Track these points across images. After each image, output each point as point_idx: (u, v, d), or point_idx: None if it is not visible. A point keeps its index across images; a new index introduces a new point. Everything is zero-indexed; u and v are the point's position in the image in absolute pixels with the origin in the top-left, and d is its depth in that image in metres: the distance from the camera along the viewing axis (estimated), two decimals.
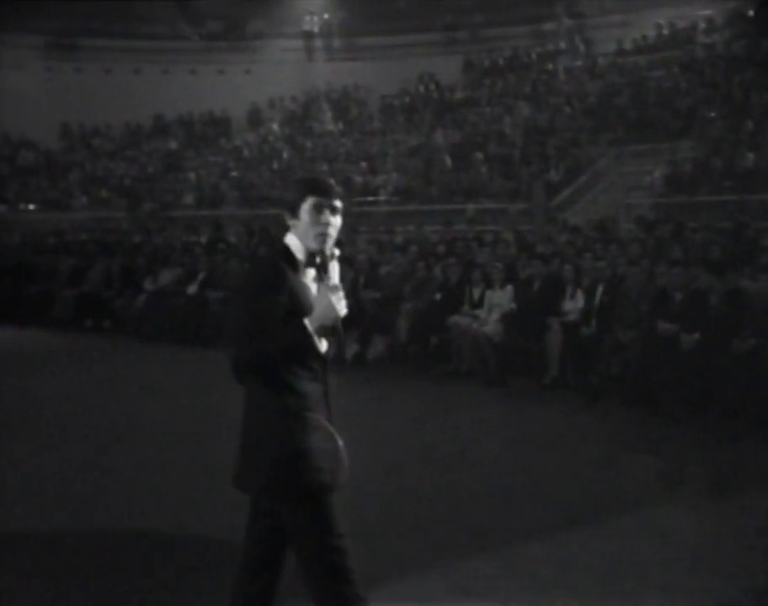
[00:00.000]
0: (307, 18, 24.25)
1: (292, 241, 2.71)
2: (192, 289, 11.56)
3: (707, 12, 21.15)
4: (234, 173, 19.66)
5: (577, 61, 21.75)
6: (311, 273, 2.72)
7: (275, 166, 19.89)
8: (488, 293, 8.86)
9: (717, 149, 14.42)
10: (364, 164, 18.58)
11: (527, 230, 13.82)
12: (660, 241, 10.38)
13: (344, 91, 23.26)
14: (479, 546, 4.60)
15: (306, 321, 2.60)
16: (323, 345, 2.69)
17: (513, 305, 8.68)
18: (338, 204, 2.74)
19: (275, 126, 22.23)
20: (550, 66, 21.51)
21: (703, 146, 14.82)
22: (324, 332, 2.67)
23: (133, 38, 23.80)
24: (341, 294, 2.66)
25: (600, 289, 8.33)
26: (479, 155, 17.16)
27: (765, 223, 10.97)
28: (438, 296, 9.20)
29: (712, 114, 15.58)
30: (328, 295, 2.63)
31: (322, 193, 2.72)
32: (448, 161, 17.84)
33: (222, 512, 4.34)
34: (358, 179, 17.86)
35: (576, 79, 20.03)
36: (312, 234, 2.69)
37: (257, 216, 17.56)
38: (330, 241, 2.72)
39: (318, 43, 24.50)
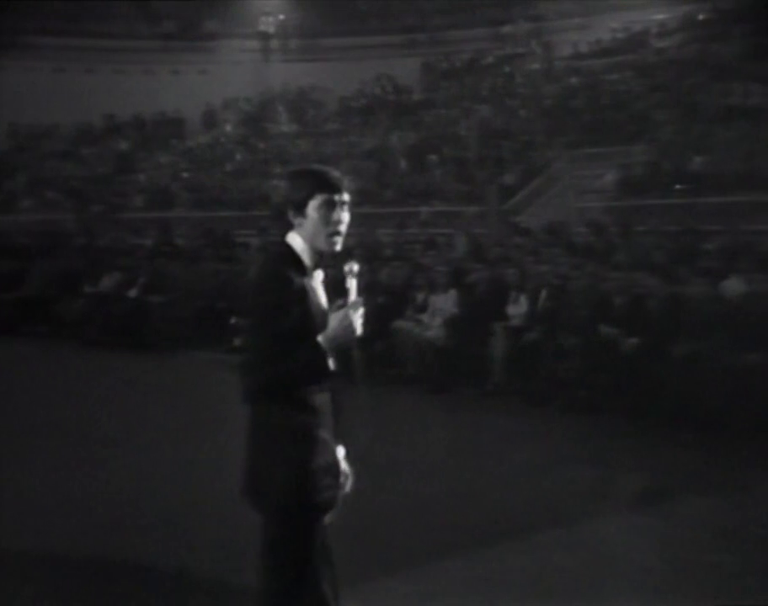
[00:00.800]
0: (263, 18, 23.93)
1: (296, 241, 2.54)
2: (133, 293, 11.23)
3: (661, 16, 21.32)
4: (185, 175, 19.27)
5: (534, 65, 21.76)
6: (319, 275, 2.57)
7: (228, 167, 19.56)
8: (432, 297, 8.68)
9: (667, 152, 14.43)
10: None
11: (480, 233, 13.71)
12: (608, 245, 10.30)
13: (301, 92, 22.99)
14: (396, 563, 4.38)
15: (321, 339, 2.46)
16: (332, 361, 2.52)
17: (456, 310, 8.50)
18: (347, 198, 2.56)
19: (229, 127, 21.88)
20: (507, 70, 21.48)
21: (654, 150, 14.84)
22: (338, 348, 2.51)
23: (85, 37, 23.27)
24: (361, 311, 2.51)
25: (544, 293, 8.20)
26: (434, 157, 17.01)
27: (713, 226, 10.94)
28: (382, 300, 8.99)
29: (663, 118, 15.61)
30: (349, 315, 2.48)
31: (334, 188, 2.53)
32: (403, 163, 17.68)
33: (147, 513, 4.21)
34: None
35: (533, 82, 20.01)
36: (324, 234, 2.52)
37: (209, 218, 17.26)
38: (341, 240, 2.56)
39: (275, 44, 24.20)
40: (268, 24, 23.92)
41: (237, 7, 23.81)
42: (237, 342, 9.73)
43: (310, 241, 2.53)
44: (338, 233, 2.54)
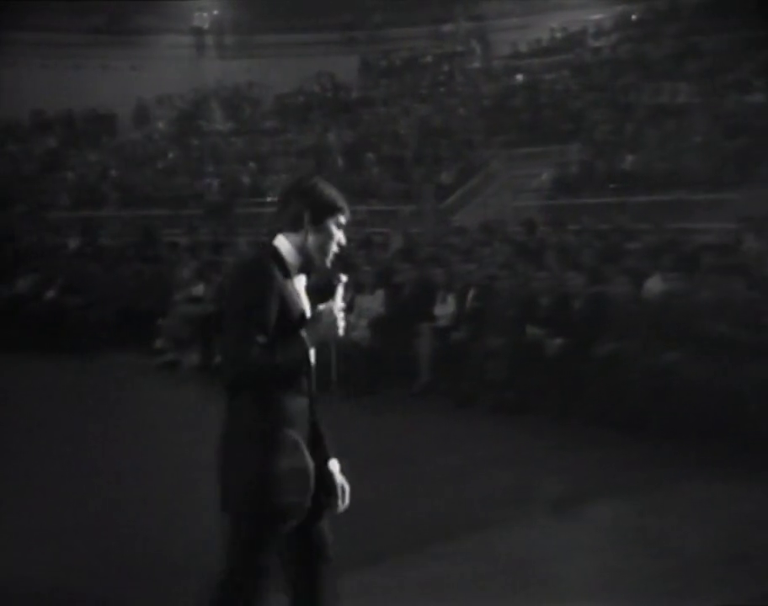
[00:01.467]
0: (197, 13, 23.37)
1: (283, 245, 2.60)
2: (50, 294, 10.72)
3: (599, 16, 21.49)
4: (114, 173, 18.65)
5: (474, 63, 21.71)
6: (302, 279, 2.65)
7: (160, 165, 18.99)
8: (359, 298, 8.41)
9: (601, 151, 14.46)
10: (253, 164, 17.94)
11: (416, 232, 13.53)
12: (539, 244, 10.19)
13: (237, 89, 22.52)
14: None
15: (304, 333, 2.53)
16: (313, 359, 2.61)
17: (382, 310, 8.25)
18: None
19: (161, 125, 21.29)
20: (447, 68, 21.38)
21: (589, 149, 14.86)
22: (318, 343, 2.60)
23: (10, 30, 22.33)
24: (343, 315, 2.62)
25: (472, 293, 8.01)
26: (371, 156, 16.77)
27: (643, 225, 10.92)
28: None
29: (598, 117, 15.65)
30: (334, 311, 2.58)
31: (346, 211, 2.67)
32: (340, 161, 17.39)
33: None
34: (246, 180, 17.20)
35: (472, 81, 19.93)
36: (328, 250, 2.64)
37: (138, 217, 16.71)
38: None
39: (209, 40, 23.66)
40: (202, 20, 23.38)
41: (170, 2, 23.19)
42: (159, 344, 9.34)
43: (306, 249, 2.61)
44: (336, 251, 2.67)
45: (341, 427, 2.93)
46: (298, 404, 2.56)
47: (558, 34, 21.05)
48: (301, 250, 2.61)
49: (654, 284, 7.40)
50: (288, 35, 23.62)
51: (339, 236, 2.66)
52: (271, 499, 2.47)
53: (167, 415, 7.71)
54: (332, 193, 2.66)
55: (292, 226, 2.61)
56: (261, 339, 2.44)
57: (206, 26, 23.48)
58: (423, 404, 7.73)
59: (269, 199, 16.84)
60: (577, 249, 9.26)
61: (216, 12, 23.61)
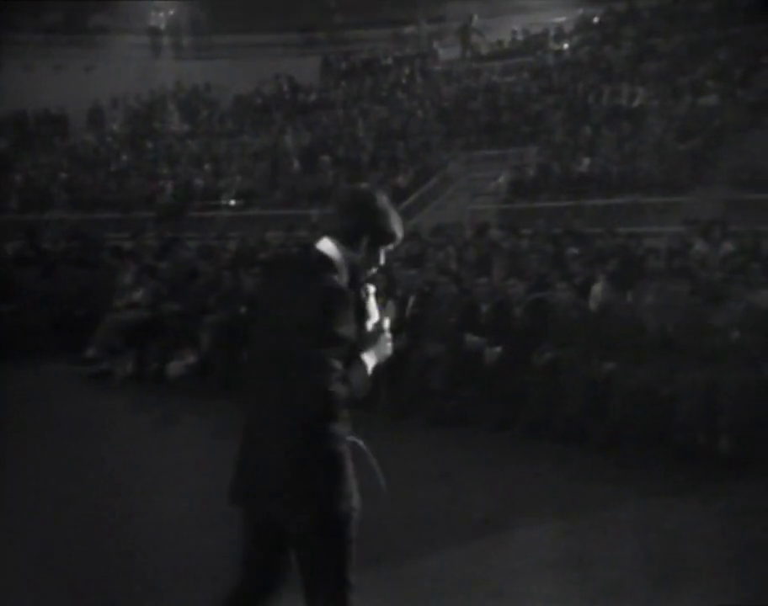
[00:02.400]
0: (153, 13, 22.91)
1: (334, 254, 2.55)
2: None
3: (561, 19, 21.39)
4: (64, 175, 18.15)
5: (436, 66, 21.50)
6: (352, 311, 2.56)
7: (113, 167, 18.52)
8: None
9: (558, 154, 14.30)
10: (208, 167, 17.55)
11: None
12: (489, 249, 9.94)
13: (194, 91, 22.10)
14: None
15: (366, 359, 2.56)
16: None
17: None
18: None
19: (115, 126, 20.81)
20: (407, 70, 21.14)
21: (547, 152, 14.69)
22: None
23: None
24: (388, 334, 2.63)
25: (412, 299, 7.72)
26: (326, 158, 16.47)
27: (596, 229, 10.74)
28: (244, 309, 8.35)
29: (557, 120, 15.51)
30: (385, 334, 2.60)
31: (398, 241, 2.64)
32: (296, 164, 17.07)
33: None
34: (199, 183, 16.80)
35: (432, 83, 19.72)
36: (367, 272, 2.63)
37: (87, 220, 16.25)
38: None
39: (166, 40, 23.20)
40: (158, 20, 22.92)
41: (126, 2, 22.70)
42: (90, 353, 8.94)
43: (353, 265, 2.58)
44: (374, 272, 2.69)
45: None
46: (347, 414, 2.57)
47: (519, 37, 20.92)
48: (350, 265, 2.57)
49: (599, 290, 7.18)
50: (247, 36, 23.24)
51: (381, 261, 2.65)
52: (351, 507, 2.52)
53: (93, 426, 7.37)
54: (396, 222, 2.62)
55: (346, 239, 2.56)
56: (340, 371, 2.44)
57: (163, 26, 23.03)
58: (359, 415, 7.39)
59: (222, 202, 16.53)
60: (526, 254, 9.03)
61: (172, 12, 23.17)
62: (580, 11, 20.74)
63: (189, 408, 7.89)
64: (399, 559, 4.41)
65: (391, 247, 2.63)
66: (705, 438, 5.92)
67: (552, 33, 20.18)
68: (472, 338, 7.01)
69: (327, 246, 2.55)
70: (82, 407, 8.17)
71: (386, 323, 2.62)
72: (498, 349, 6.78)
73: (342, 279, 2.54)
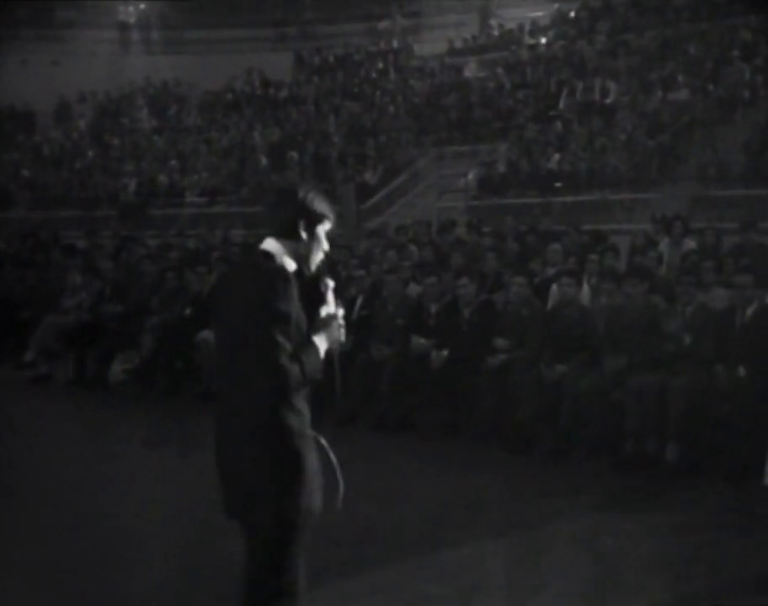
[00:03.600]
0: (122, 7, 22.46)
1: (278, 250, 2.64)
2: None
3: (539, 13, 21.15)
4: (27, 173, 17.72)
5: (411, 61, 21.19)
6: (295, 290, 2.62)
7: (78, 165, 18.10)
8: None
9: (528, 150, 14.02)
10: (174, 163, 17.17)
11: (337, 234, 12.91)
12: (451, 247, 9.64)
13: (164, 86, 21.68)
14: None
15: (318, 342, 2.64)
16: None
17: None
18: None
19: (83, 123, 20.37)
20: (381, 65, 20.82)
21: (517, 148, 14.42)
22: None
23: None
24: (342, 321, 2.74)
25: (360, 300, 7.41)
26: (294, 154, 16.13)
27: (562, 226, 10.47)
28: (189, 311, 8.01)
29: (527, 115, 15.24)
30: (338, 320, 2.71)
31: (331, 219, 2.74)
32: (264, 160, 16.72)
33: None
34: (163, 180, 16.42)
35: (404, 79, 19.41)
36: (316, 259, 2.71)
37: (50, 219, 15.85)
38: None
39: (136, 35, 22.76)
40: (127, 14, 22.48)
41: None
42: (28, 356, 8.58)
43: (300, 255, 2.67)
44: (322, 258, 2.75)
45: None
46: (306, 407, 2.61)
47: (495, 32, 20.65)
48: (296, 256, 2.67)
49: (556, 290, 6.89)
50: (218, 31, 22.86)
51: (325, 244, 2.73)
52: (310, 498, 2.55)
53: (28, 432, 7.03)
54: (322, 201, 2.73)
55: (286, 232, 2.66)
56: (289, 348, 2.50)
57: (132, 21, 22.58)
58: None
59: (187, 200, 16.15)
60: (484, 252, 8.70)
61: (142, 6, 22.74)
62: (556, 6, 20.52)
63: (128, 414, 7.57)
64: (346, 573, 4.15)
65: (327, 226, 2.72)
66: (654, 447, 5.64)
67: (527, 28, 19.93)
68: (418, 340, 6.70)
69: (269, 244, 2.66)
70: (18, 412, 7.83)
71: (341, 312, 2.73)
72: (445, 352, 6.48)
73: (287, 267, 2.64)
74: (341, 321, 2.72)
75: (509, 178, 13.72)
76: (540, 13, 20.63)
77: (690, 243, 8.74)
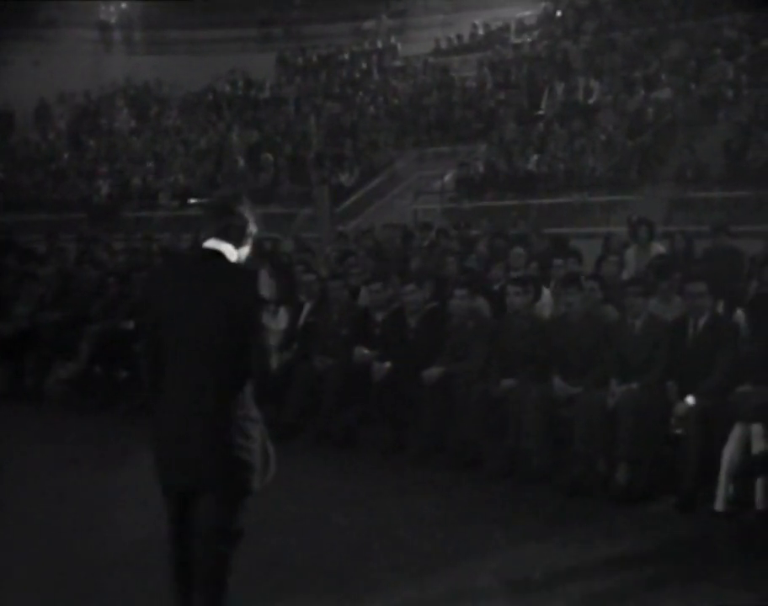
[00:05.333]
0: (103, 7, 22.10)
1: (230, 253, 2.89)
2: None
3: (526, 13, 20.76)
4: (0, 174, 17.38)
5: (395, 61, 20.81)
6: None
7: (53, 166, 17.75)
8: None
9: (507, 151, 13.63)
10: (150, 165, 16.81)
11: (308, 238, 12.57)
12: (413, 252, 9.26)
13: (146, 87, 21.33)
14: None
15: None
16: None
17: None
18: None
19: (62, 124, 20.02)
20: (364, 65, 20.45)
21: (496, 149, 14.03)
22: None
23: None
24: None
25: (308, 307, 7.03)
26: (269, 156, 15.75)
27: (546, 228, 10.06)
28: (133, 318, 7.62)
29: (507, 115, 14.85)
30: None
31: (254, 221, 2.99)
32: (241, 162, 16.36)
33: None
34: (137, 181, 16.06)
35: (385, 79, 19.04)
36: (243, 255, 2.95)
37: (21, 222, 15.49)
38: None
39: (117, 34, 22.41)
40: (109, 14, 22.12)
41: None
42: None
43: (242, 259, 2.94)
44: None
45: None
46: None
47: (480, 31, 20.26)
48: (239, 259, 2.93)
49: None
50: (202, 31, 22.52)
51: (250, 242, 3.00)
52: (265, 476, 2.86)
53: None
54: (249, 209, 2.98)
55: (235, 238, 2.90)
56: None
57: (114, 20, 22.22)
58: None
59: (161, 202, 15.79)
60: (443, 255, 8.31)
61: (123, 5, 22.37)
62: (543, 5, 20.12)
63: (65, 427, 7.18)
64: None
65: (253, 229, 2.95)
66: (604, 467, 5.25)
67: (513, 27, 19.54)
68: (361, 351, 6.32)
69: (222, 247, 2.87)
70: None
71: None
72: (388, 364, 6.09)
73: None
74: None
75: (487, 180, 13.33)
76: (527, 13, 20.25)
77: (659, 248, 8.35)
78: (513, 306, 5.87)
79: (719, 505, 4.77)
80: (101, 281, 7.94)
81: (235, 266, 2.87)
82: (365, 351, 6.30)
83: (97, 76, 21.49)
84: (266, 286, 2.82)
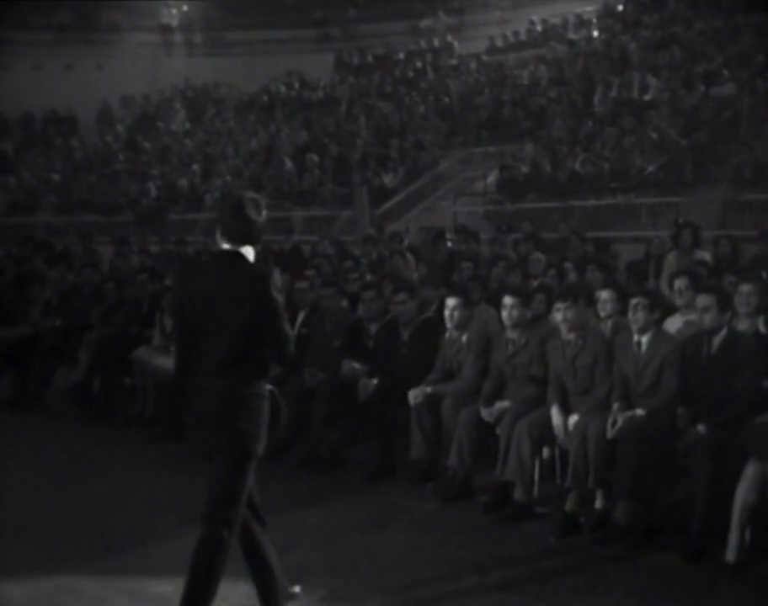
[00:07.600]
0: (165, 10, 22.34)
1: (252, 256, 3.37)
2: None
3: (587, 8, 19.94)
4: (56, 177, 17.68)
5: (451, 60, 20.30)
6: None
7: (108, 170, 17.94)
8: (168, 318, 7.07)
9: (553, 151, 12.93)
10: (196, 167, 16.79)
11: (347, 240, 12.25)
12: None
13: (204, 89, 21.44)
14: None
15: None
16: None
17: None
18: None
19: (120, 127, 20.29)
20: (419, 65, 20.00)
21: (543, 148, 13.35)
22: None
23: None
24: None
25: (302, 316, 6.64)
26: (314, 157, 15.47)
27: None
28: (133, 324, 7.41)
29: (559, 113, 14.14)
30: None
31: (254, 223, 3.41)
32: (288, 163, 16.14)
33: None
34: (183, 183, 16.04)
35: (439, 78, 18.55)
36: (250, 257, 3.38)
37: (74, 224, 15.71)
38: None
39: (179, 37, 22.62)
40: (170, 17, 22.36)
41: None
42: None
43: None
44: None
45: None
46: None
47: (538, 28, 19.55)
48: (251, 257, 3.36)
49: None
50: (261, 33, 22.53)
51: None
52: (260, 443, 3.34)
53: None
54: (260, 213, 3.41)
55: (243, 239, 3.33)
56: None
57: (175, 23, 22.46)
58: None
59: (207, 204, 15.71)
60: (488, 263, 7.78)
61: (185, 8, 22.59)
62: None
63: (65, 436, 7.01)
64: None
65: (259, 231, 3.38)
66: (602, 504, 4.68)
67: (571, 22, 18.75)
68: (350, 365, 5.89)
69: (247, 251, 3.33)
70: None
71: None
72: (374, 382, 5.64)
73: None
74: None
75: (530, 181, 12.68)
76: (588, 8, 19.44)
77: (703, 254, 7.65)
78: (510, 320, 5.30)
79: (731, 555, 4.15)
80: (100, 287, 7.75)
81: (250, 265, 3.29)
82: (355, 365, 5.88)
83: (157, 78, 21.74)
84: (278, 284, 3.27)
